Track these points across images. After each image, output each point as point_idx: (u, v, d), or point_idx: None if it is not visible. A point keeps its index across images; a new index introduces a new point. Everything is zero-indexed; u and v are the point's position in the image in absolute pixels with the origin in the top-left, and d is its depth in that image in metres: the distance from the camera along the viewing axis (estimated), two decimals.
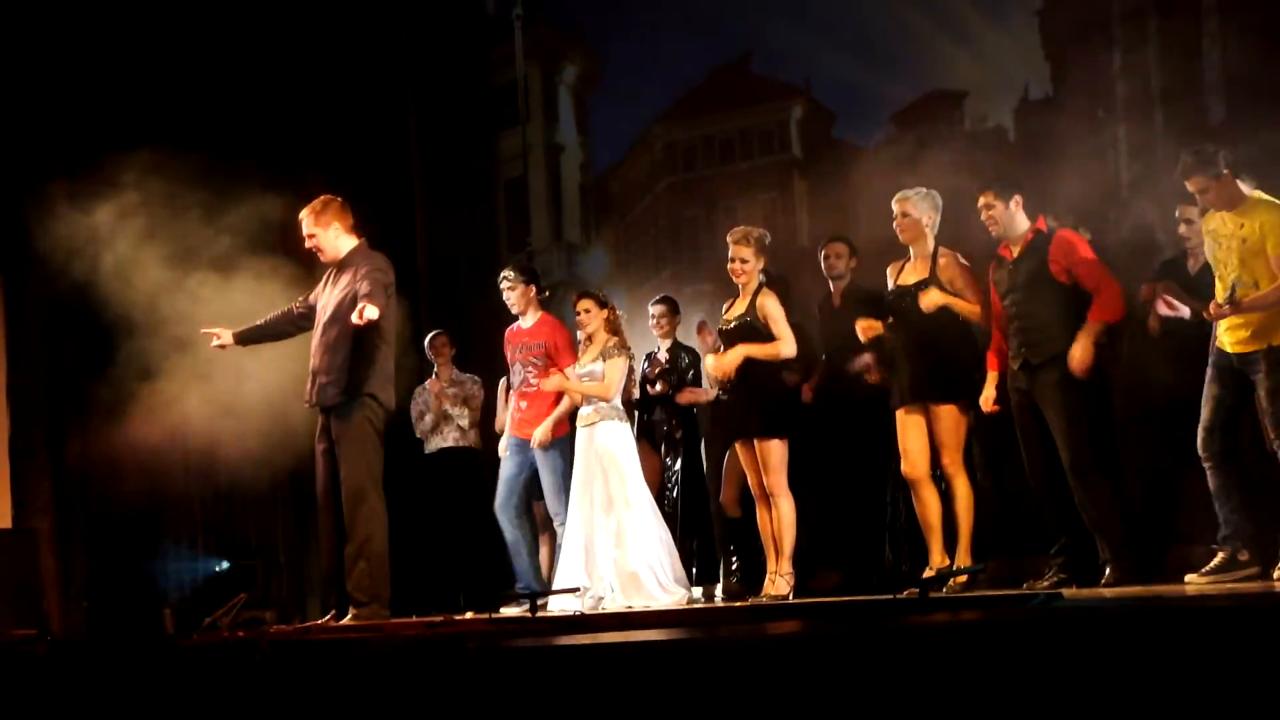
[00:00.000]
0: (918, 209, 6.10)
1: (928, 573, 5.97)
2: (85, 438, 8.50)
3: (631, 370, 7.00)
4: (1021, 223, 5.89)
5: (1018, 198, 5.88)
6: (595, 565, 6.52)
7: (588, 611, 6.20)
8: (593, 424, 6.68)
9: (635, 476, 6.67)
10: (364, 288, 6.17)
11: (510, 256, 10.57)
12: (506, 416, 7.44)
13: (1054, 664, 2.50)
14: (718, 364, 6.37)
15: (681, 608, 6.28)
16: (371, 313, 6.01)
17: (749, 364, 6.27)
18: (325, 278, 6.62)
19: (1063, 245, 5.80)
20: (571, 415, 6.89)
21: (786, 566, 6.28)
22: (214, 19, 8.86)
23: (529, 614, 5.84)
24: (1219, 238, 5.33)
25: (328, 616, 6.58)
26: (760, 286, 6.34)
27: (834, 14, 9.37)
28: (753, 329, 6.29)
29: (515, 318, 7.29)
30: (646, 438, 7.32)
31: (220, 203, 7.93)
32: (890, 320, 6.22)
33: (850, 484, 6.85)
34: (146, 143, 7.75)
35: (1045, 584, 5.74)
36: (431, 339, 8.37)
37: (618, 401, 6.77)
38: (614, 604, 6.39)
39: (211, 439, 8.32)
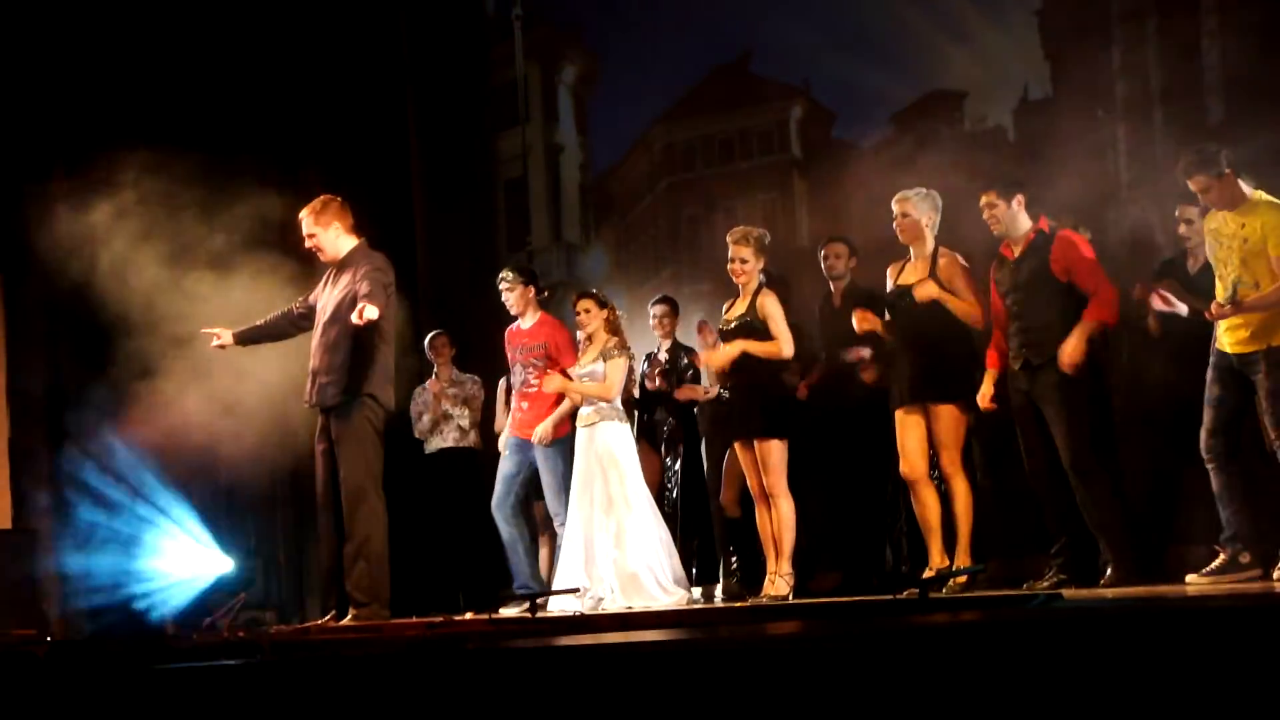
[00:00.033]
0: (917, 209, 6.11)
1: (927, 573, 5.97)
2: (85, 438, 8.50)
3: (631, 370, 7.00)
4: (1024, 222, 5.89)
5: (1020, 197, 5.89)
6: (595, 566, 6.52)
7: (588, 612, 6.20)
8: (593, 424, 6.67)
9: (635, 477, 6.67)
10: (364, 288, 6.17)
11: (510, 256, 10.54)
12: (506, 417, 7.44)
13: (1054, 664, 2.49)
14: (714, 355, 6.37)
15: (681, 608, 6.27)
16: (371, 313, 6.00)
17: (749, 365, 6.26)
18: (325, 278, 6.62)
19: (1064, 245, 5.80)
20: (572, 415, 6.89)
21: (786, 567, 6.28)
22: (213, 18, 8.86)
23: (529, 614, 5.83)
24: (1220, 237, 5.33)
25: (328, 617, 6.58)
26: (760, 286, 6.34)
27: (834, 14, 9.35)
28: (753, 329, 6.29)
29: (515, 318, 7.29)
30: (646, 438, 7.32)
31: (219, 202, 7.94)
32: (889, 320, 6.22)
33: (850, 484, 6.85)
34: (145, 142, 7.75)
35: (1045, 584, 5.74)
36: (431, 339, 8.36)
37: (618, 402, 6.76)
38: (614, 605, 6.39)
39: (211, 439, 8.32)
